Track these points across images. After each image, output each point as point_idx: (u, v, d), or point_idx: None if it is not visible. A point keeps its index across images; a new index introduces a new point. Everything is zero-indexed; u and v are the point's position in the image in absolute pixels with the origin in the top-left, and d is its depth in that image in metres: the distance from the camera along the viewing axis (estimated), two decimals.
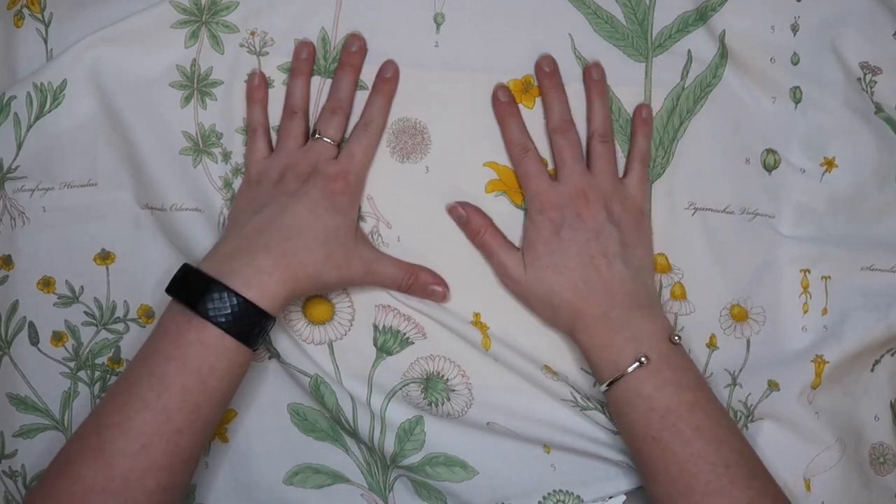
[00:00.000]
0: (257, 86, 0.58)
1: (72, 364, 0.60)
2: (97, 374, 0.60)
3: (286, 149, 0.56)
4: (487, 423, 0.58)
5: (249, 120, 0.58)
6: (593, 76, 0.57)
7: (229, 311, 0.49)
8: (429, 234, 0.58)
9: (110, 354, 0.60)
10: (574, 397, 0.58)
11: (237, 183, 0.59)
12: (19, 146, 0.58)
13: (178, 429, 0.48)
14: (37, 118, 0.58)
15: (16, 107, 0.58)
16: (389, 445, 0.57)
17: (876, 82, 0.58)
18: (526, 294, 0.57)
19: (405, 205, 0.59)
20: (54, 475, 0.49)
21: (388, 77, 0.57)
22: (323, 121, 0.57)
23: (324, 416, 0.59)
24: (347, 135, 0.58)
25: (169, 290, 0.51)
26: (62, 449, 0.50)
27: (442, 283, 0.58)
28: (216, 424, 0.52)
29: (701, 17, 0.58)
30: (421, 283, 0.57)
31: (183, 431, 0.49)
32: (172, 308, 0.51)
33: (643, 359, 0.52)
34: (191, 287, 0.50)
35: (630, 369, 0.52)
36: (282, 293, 0.51)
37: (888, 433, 0.59)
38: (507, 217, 0.58)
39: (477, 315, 0.59)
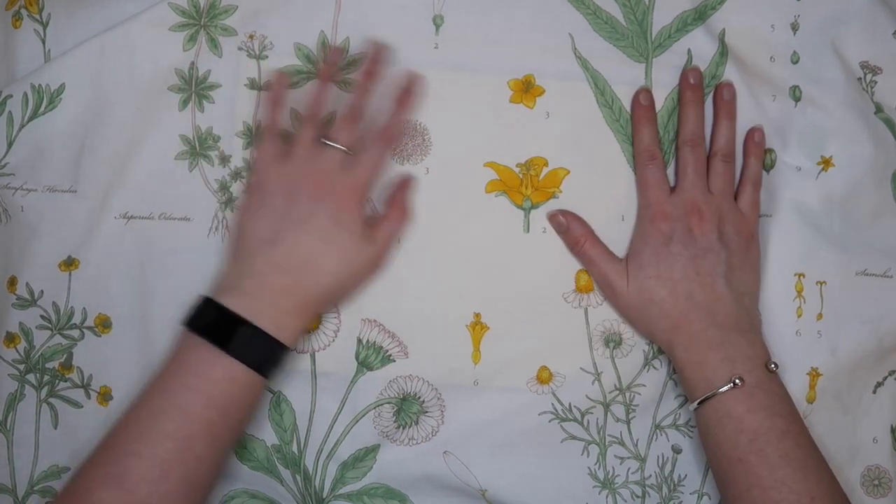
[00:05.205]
0: (278, 87, 0.57)
1: (21, 367, 0.59)
2: (46, 377, 0.59)
3: (297, 157, 0.54)
4: (444, 452, 0.57)
5: (265, 120, 0.57)
6: (724, 97, 0.57)
7: (261, 352, 0.50)
8: (429, 235, 0.58)
9: (62, 360, 0.59)
10: (554, 408, 0.57)
11: (235, 187, 0.58)
12: (9, 145, 0.58)
13: (198, 457, 0.49)
14: (30, 119, 0.58)
15: (11, 106, 0.58)
16: (332, 471, 0.58)
17: (876, 82, 0.59)
18: (626, 305, 0.56)
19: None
20: (72, 501, 0.48)
21: (411, 91, 0.57)
22: (336, 127, 0.55)
23: (263, 447, 0.58)
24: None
25: (190, 324, 0.51)
26: (75, 475, 0.49)
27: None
28: (233, 449, 0.54)
29: (700, 16, 0.58)
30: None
31: (202, 459, 0.49)
32: (193, 342, 0.50)
33: (737, 380, 0.51)
34: (219, 325, 0.50)
35: (723, 389, 0.51)
36: (300, 328, 0.53)
37: (886, 457, 0.58)
38: (508, 217, 0.58)
39: (477, 315, 0.58)
